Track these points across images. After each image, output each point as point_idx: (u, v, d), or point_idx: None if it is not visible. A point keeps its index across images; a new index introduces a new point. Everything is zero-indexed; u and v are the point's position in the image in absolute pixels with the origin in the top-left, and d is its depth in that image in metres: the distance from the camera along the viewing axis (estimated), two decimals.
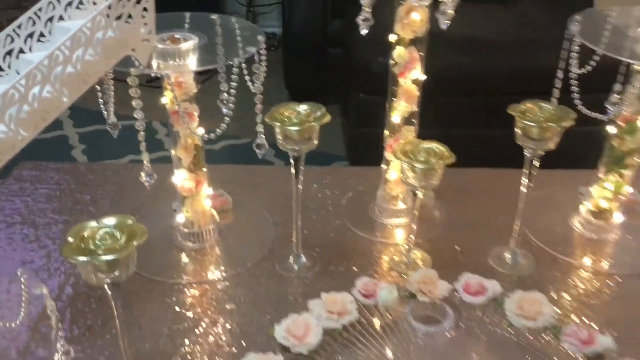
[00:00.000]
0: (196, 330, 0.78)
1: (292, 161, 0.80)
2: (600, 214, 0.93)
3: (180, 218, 0.91)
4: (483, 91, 1.96)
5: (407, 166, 0.76)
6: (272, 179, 1.08)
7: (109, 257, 0.56)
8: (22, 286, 0.61)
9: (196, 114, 0.84)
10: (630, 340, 0.75)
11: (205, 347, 0.75)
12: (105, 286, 0.60)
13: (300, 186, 0.83)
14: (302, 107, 0.78)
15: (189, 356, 0.74)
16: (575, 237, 0.95)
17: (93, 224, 0.59)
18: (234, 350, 0.75)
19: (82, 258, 0.56)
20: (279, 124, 0.75)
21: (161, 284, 0.85)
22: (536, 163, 0.80)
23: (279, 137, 0.78)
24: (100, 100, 0.80)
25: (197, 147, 0.86)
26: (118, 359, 0.70)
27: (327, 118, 0.76)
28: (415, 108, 0.90)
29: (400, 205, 0.98)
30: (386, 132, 0.93)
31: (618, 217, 0.93)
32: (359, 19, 0.77)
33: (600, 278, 0.87)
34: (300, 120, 0.76)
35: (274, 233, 0.94)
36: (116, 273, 0.58)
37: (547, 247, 0.92)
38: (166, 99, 0.82)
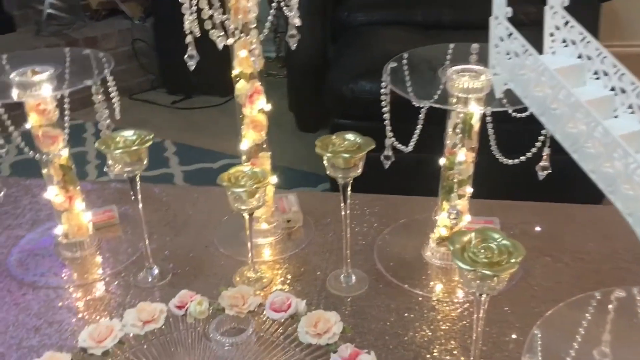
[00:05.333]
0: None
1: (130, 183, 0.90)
2: (443, 242, 0.96)
3: (58, 230, 1.02)
4: None
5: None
6: (167, 197, 1.18)
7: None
8: None
9: (61, 137, 0.95)
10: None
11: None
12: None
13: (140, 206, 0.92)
14: (129, 134, 0.87)
15: None
16: (421, 263, 0.98)
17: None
18: None
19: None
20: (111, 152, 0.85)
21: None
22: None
23: (112, 162, 0.87)
24: None
25: (64, 167, 0.97)
26: None
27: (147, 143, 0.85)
28: (264, 136, 0.97)
29: (263, 226, 1.04)
30: (243, 158, 1.00)
31: None
32: (186, 57, 0.85)
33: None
34: (127, 145, 0.86)
35: (141, 247, 1.03)
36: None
37: (386, 271, 0.96)
38: (29, 124, 0.93)
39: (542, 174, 0.86)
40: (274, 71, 3.50)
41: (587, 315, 0.63)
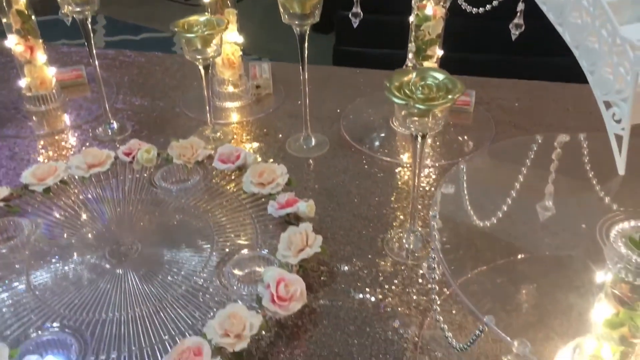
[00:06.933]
0: None
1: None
2: None
3: (22, 83, 1.00)
4: None
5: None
6: (139, 62, 1.15)
7: None
8: None
9: None
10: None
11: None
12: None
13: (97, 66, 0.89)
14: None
15: None
16: (388, 131, 0.94)
17: None
18: None
19: None
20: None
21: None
22: None
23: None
24: None
25: (22, 13, 0.94)
26: None
27: None
28: None
29: (230, 89, 1.01)
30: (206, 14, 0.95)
31: None
32: None
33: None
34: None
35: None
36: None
37: (350, 137, 0.92)
38: None
39: (514, 33, 0.80)
40: None
41: (526, 160, 0.59)
